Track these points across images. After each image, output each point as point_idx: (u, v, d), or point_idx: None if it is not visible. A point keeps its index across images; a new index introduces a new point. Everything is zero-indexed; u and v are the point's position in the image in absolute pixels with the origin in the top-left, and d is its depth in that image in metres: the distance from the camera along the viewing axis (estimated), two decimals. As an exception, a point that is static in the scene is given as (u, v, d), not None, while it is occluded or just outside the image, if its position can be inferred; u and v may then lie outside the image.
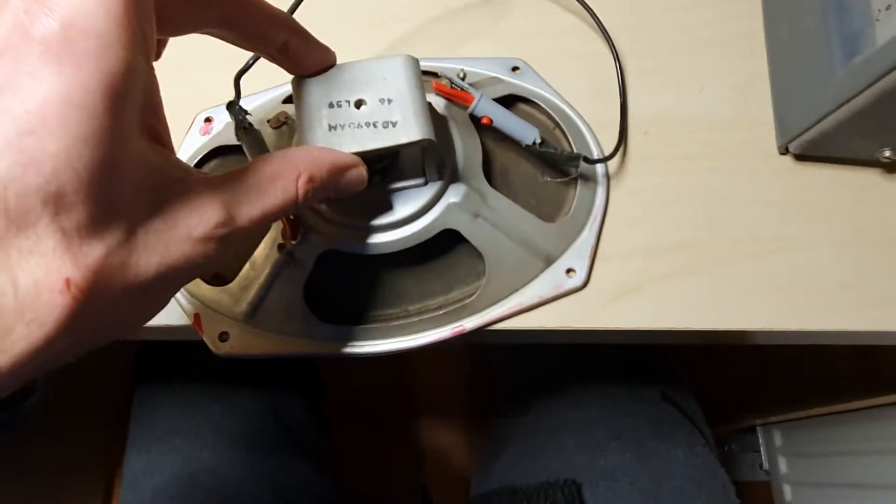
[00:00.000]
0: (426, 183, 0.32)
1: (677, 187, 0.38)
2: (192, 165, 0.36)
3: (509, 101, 0.38)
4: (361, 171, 0.28)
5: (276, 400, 0.57)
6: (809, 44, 0.35)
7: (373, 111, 0.28)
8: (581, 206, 0.36)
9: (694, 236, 0.37)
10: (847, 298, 0.35)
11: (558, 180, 0.37)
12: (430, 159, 0.30)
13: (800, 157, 0.38)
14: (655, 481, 0.46)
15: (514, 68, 0.39)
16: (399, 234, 0.33)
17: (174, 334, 0.36)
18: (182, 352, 0.49)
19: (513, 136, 0.34)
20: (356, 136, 0.28)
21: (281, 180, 0.24)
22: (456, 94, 0.34)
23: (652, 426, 0.49)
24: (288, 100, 0.37)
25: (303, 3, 0.34)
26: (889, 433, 0.62)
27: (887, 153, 0.35)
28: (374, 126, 0.28)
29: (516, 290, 0.35)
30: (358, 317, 0.35)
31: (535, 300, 0.35)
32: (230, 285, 0.35)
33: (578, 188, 0.37)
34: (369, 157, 0.29)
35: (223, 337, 0.35)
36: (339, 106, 0.28)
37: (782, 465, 0.81)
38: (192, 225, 0.22)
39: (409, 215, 0.32)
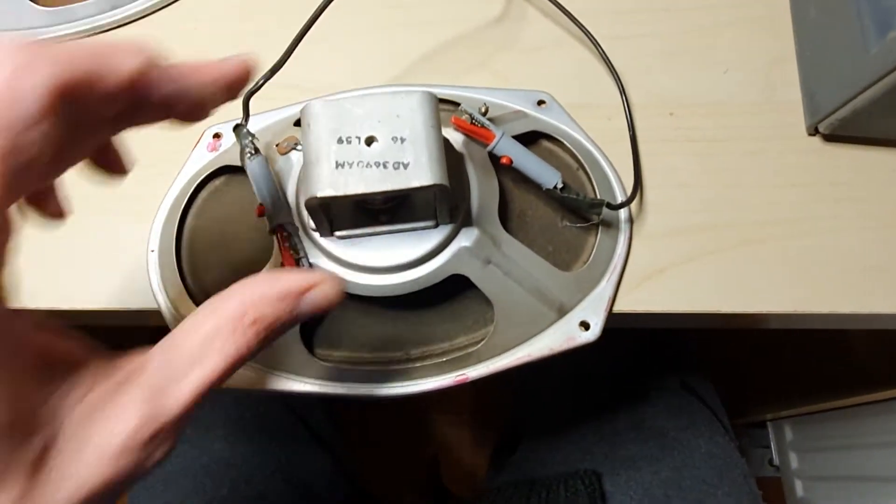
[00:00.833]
0: (437, 225, 0.30)
1: (701, 170, 0.37)
2: (187, 195, 0.35)
3: (532, 137, 0.36)
4: (326, 288, 0.22)
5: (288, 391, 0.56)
6: (840, 21, 0.34)
7: (384, 150, 0.26)
8: (601, 254, 0.34)
9: (720, 218, 0.36)
10: (879, 281, 0.34)
11: (578, 225, 0.35)
12: (442, 202, 0.28)
13: (829, 138, 0.37)
14: (677, 470, 0.46)
15: (540, 102, 0.37)
16: (405, 278, 0.31)
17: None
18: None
19: (533, 178, 0.32)
20: (364, 176, 0.26)
21: (218, 338, 0.19)
22: (476, 130, 0.32)
23: (672, 415, 0.50)
24: (298, 122, 0.35)
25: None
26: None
27: (922, 132, 0.34)
28: (384, 167, 0.26)
29: (525, 340, 0.33)
30: (357, 358, 0.33)
31: (544, 352, 0.33)
32: (225, 314, 0.33)
33: (599, 235, 0.35)
34: (378, 198, 0.27)
35: (214, 368, 0.33)
36: (349, 142, 0.27)
37: (793, 461, 0.80)
38: (103, 438, 0.17)
39: (416, 258, 0.30)
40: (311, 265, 0.31)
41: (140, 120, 0.22)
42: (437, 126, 0.27)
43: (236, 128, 0.31)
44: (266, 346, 0.21)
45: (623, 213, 0.35)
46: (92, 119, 0.20)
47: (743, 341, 0.84)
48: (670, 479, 0.46)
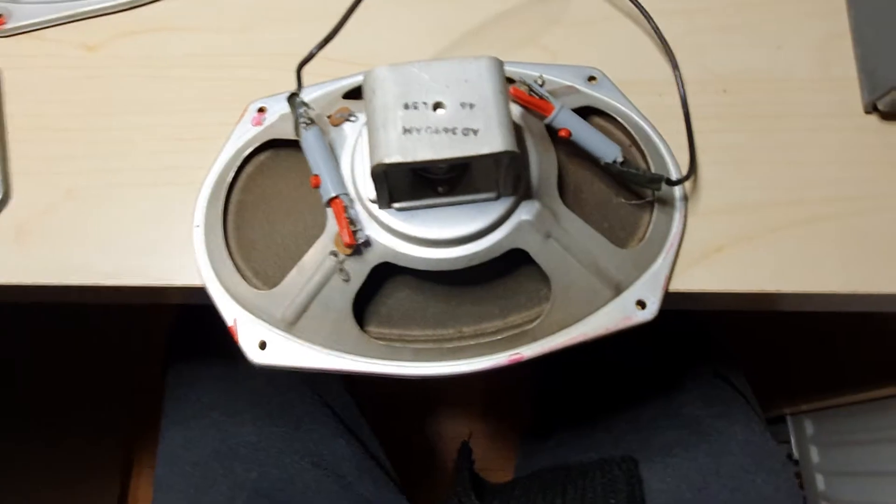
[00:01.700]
0: (498, 197, 0.29)
1: (757, 147, 0.36)
2: (232, 170, 0.34)
3: (584, 113, 0.35)
4: None
5: (316, 375, 0.55)
6: None
7: (452, 116, 0.26)
8: (657, 232, 0.34)
9: (778, 196, 0.35)
10: None
11: (634, 202, 0.34)
12: (507, 172, 0.28)
13: (887, 116, 0.36)
14: (714, 457, 0.46)
15: (591, 78, 0.36)
16: (463, 252, 0.30)
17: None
18: (218, 326, 0.48)
19: (592, 152, 0.32)
20: (432, 143, 0.25)
21: None
22: (535, 102, 0.31)
23: (707, 404, 0.49)
24: (348, 94, 0.34)
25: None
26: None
27: None
28: (454, 132, 0.25)
29: (581, 318, 0.32)
30: (408, 336, 0.32)
31: (600, 331, 0.32)
32: (274, 289, 0.32)
33: (655, 212, 0.34)
34: (443, 166, 0.26)
35: (262, 346, 0.32)
36: (416, 108, 0.26)
37: (814, 455, 0.80)
38: None
39: (476, 231, 0.29)
40: (367, 238, 0.30)
41: None
42: (506, 92, 0.27)
43: (290, 97, 0.30)
44: None
45: (678, 190, 0.35)
46: None
47: (764, 335, 0.84)
48: (707, 466, 0.45)
